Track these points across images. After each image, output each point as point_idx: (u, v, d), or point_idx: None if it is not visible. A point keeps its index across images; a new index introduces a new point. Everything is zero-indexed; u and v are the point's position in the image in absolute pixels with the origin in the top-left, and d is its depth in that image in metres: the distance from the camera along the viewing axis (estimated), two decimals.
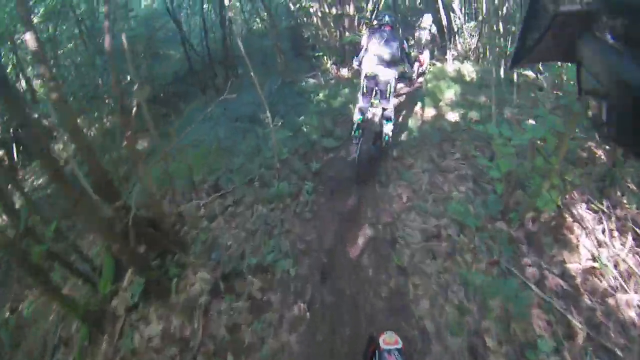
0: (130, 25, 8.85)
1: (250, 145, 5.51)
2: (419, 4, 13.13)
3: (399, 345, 1.32)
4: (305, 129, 5.77)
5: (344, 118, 6.29)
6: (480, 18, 9.75)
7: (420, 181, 4.29)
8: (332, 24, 7.67)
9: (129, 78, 6.85)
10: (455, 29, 10.07)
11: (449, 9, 9.81)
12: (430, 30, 8.24)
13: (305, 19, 8.56)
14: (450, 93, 7.10)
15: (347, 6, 7.21)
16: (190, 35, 12.17)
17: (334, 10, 7.34)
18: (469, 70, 8.87)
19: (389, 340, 1.32)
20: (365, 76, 3.97)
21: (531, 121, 3.76)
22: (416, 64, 7.54)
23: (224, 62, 10.86)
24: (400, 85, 6.60)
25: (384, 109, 4.08)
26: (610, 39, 0.33)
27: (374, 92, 4.07)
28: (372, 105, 4.07)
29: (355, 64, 4.27)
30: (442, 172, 4.42)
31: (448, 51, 9.91)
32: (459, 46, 10.50)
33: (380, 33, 3.98)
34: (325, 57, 7.88)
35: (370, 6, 7.32)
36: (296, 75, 8.37)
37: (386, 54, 3.90)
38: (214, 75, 12.01)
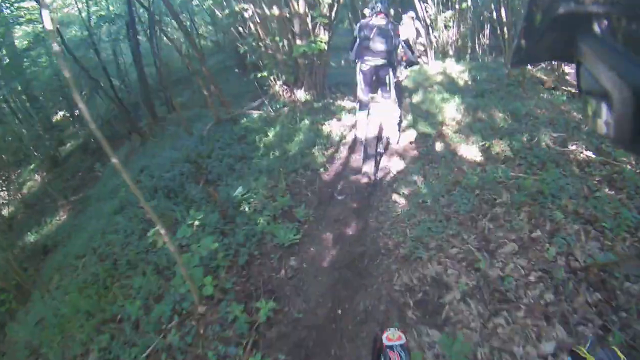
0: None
1: (160, 263, 3.15)
2: None
3: (403, 341, 1.25)
4: (247, 209, 3.51)
5: (307, 177, 4.09)
6: (457, 6, 7.92)
7: None
8: (276, 30, 5.51)
9: None
10: (428, 21, 8.20)
11: None
12: (414, 25, 6.88)
13: (240, 28, 6.31)
14: (450, 109, 5.10)
15: (295, 3, 5.04)
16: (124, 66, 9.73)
17: (276, 11, 5.13)
18: (456, 71, 7.00)
19: (392, 337, 1.26)
20: (361, 69, 3.75)
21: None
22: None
23: (146, 101, 8.41)
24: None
25: (387, 103, 3.82)
26: (610, 39, 0.33)
27: (373, 85, 3.82)
28: (372, 99, 3.81)
29: (352, 57, 3.93)
30: None
31: (427, 48, 8.02)
32: (434, 40, 8.66)
33: (373, 21, 3.66)
34: (272, 77, 5.68)
35: (326, 6, 5.20)
36: (237, 107, 6.09)
37: (382, 43, 3.62)
38: (138, 115, 9.50)
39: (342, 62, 8.74)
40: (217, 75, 11.84)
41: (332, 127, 4.94)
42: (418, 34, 7.71)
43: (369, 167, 3.77)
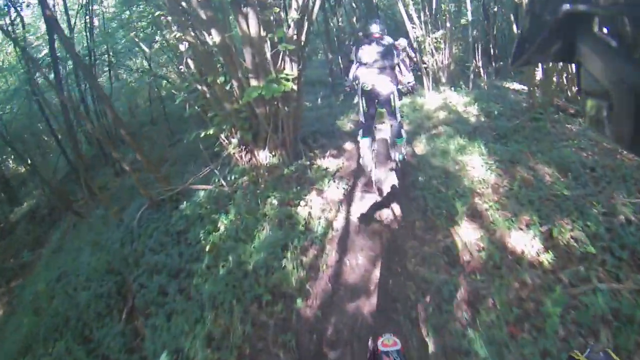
0: None
1: None
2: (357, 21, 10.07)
3: (398, 347, 1.28)
4: None
5: (276, 313, 2.49)
6: (448, 24, 6.74)
7: None
8: (223, 67, 4.03)
9: None
10: (414, 44, 6.96)
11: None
12: (407, 53, 5.93)
13: (177, 66, 4.79)
14: (475, 164, 3.64)
15: (243, 22, 3.48)
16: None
17: (217, 37, 3.58)
18: (460, 103, 5.66)
19: (387, 343, 1.29)
20: (363, 91, 3.40)
21: None
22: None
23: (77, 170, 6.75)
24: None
25: (391, 126, 3.44)
26: (610, 39, 0.33)
27: (376, 108, 3.51)
28: (377, 125, 3.54)
29: (347, 84, 3.71)
30: None
31: (423, 76, 6.73)
32: (423, 66, 7.42)
33: (370, 43, 3.46)
34: (225, 135, 4.12)
35: (292, 25, 3.68)
36: (181, 179, 4.51)
37: (381, 64, 3.38)
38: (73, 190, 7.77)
39: (319, 99, 7.32)
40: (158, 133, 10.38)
41: (312, 208, 3.37)
42: (412, 62, 6.56)
43: (379, 181, 3.43)
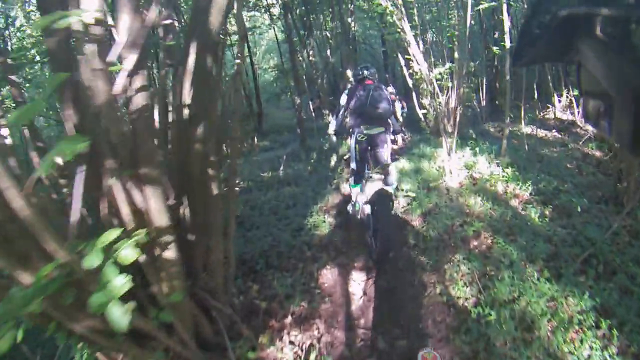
0: None
1: None
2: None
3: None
4: None
5: None
6: (457, 55, 4.89)
7: None
8: None
9: None
10: (410, 82, 5.06)
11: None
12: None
13: None
14: None
15: None
16: None
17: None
18: (497, 176, 3.65)
19: (427, 357, 1.30)
20: (356, 140, 3.27)
21: None
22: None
23: None
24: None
25: (384, 175, 3.16)
26: (610, 40, 0.33)
27: (368, 157, 3.36)
28: (370, 176, 3.12)
29: (331, 129, 3.53)
30: None
31: (443, 134, 4.77)
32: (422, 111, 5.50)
33: (362, 88, 3.27)
34: None
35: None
36: None
37: (375, 110, 3.21)
38: None
39: (282, 162, 5.16)
40: None
41: None
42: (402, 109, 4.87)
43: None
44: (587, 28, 0.35)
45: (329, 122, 3.57)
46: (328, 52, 8.80)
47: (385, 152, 3.28)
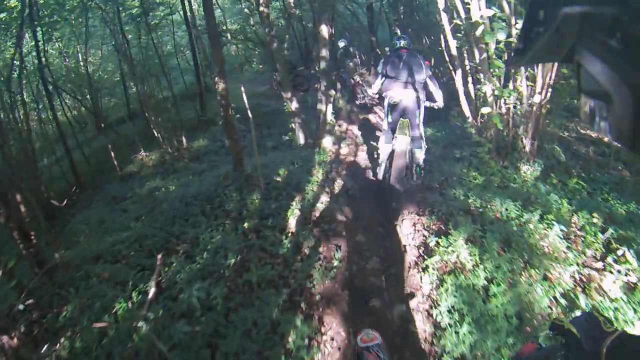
0: None
1: None
2: None
3: (378, 341, 1.28)
4: None
5: None
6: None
7: None
8: None
9: None
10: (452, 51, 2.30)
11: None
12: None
13: None
14: None
15: None
16: None
17: None
18: None
19: (366, 338, 1.29)
20: (389, 104, 3.55)
21: None
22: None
23: None
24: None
25: (413, 137, 3.48)
26: (610, 39, 0.33)
27: (400, 120, 3.52)
28: (398, 134, 3.44)
29: (370, 92, 3.95)
30: None
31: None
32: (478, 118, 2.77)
33: (398, 56, 3.51)
34: None
35: None
36: None
37: (408, 77, 3.43)
38: None
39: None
40: None
41: None
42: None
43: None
44: (586, 27, 0.36)
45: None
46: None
47: (417, 117, 3.45)
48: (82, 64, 9.03)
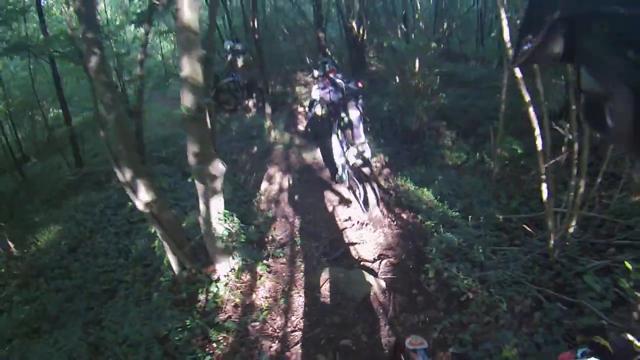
0: None
1: None
2: None
3: (425, 345, 1.36)
4: None
5: None
6: None
7: None
8: None
9: None
10: None
11: None
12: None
13: None
14: None
15: None
16: None
17: None
18: None
19: (414, 342, 1.37)
20: (340, 116, 3.82)
21: None
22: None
23: None
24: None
25: (362, 143, 3.74)
26: (610, 39, 0.34)
27: (347, 131, 3.85)
28: (355, 150, 3.72)
29: (309, 114, 4.31)
30: None
31: None
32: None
33: (336, 81, 3.77)
34: None
35: None
36: None
37: (348, 90, 3.70)
38: None
39: None
40: None
41: None
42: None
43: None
44: (586, 27, 0.36)
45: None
46: None
47: (360, 125, 3.74)
48: None
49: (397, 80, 4.66)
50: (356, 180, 3.73)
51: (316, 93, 3.94)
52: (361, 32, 6.95)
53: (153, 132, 6.19)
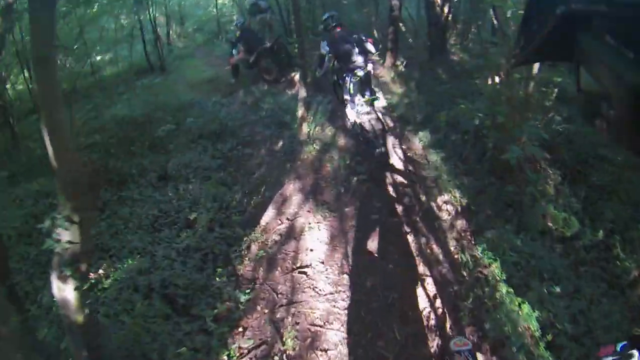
0: None
1: None
2: None
3: (469, 347, 1.37)
4: None
5: None
6: None
7: None
8: None
9: None
10: None
11: None
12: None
13: None
14: None
15: None
16: None
17: None
18: None
19: (459, 343, 1.39)
20: (352, 82, 3.83)
21: None
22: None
23: None
24: None
25: (374, 99, 3.96)
26: (610, 39, 0.33)
27: (359, 85, 3.90)
28: (364, 104, 3.94)
29: (320, 73, 4.17)
30: None
31: None
32: None
33: (341, 35, 3.86)
34: None
35: None
36: None
37: (361, 53, 3.80)
38: None
39: None
40: None
41: None
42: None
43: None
44: (585, 27, 0.35)
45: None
46: None
47: (371, 80, 3.94)
48: None
49: (496, 80, 3.15)
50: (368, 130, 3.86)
51: (325, 47, 3.89)
52: (445, 10, 5.48)
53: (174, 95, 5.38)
